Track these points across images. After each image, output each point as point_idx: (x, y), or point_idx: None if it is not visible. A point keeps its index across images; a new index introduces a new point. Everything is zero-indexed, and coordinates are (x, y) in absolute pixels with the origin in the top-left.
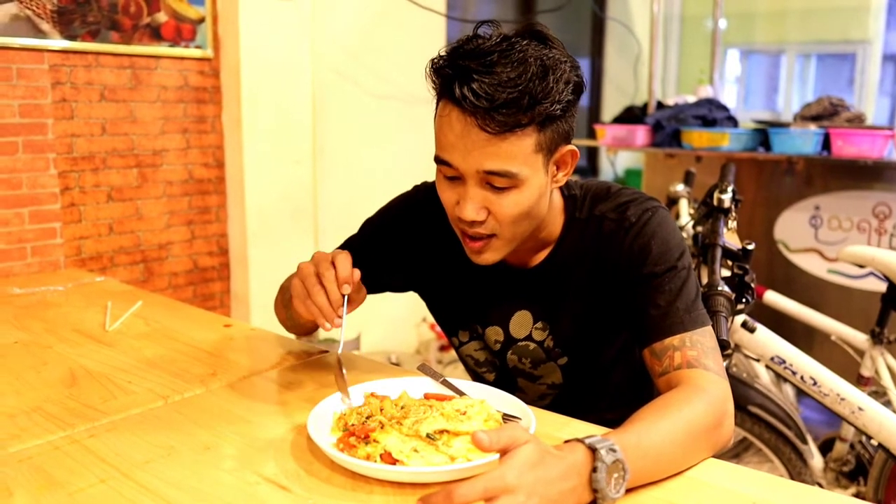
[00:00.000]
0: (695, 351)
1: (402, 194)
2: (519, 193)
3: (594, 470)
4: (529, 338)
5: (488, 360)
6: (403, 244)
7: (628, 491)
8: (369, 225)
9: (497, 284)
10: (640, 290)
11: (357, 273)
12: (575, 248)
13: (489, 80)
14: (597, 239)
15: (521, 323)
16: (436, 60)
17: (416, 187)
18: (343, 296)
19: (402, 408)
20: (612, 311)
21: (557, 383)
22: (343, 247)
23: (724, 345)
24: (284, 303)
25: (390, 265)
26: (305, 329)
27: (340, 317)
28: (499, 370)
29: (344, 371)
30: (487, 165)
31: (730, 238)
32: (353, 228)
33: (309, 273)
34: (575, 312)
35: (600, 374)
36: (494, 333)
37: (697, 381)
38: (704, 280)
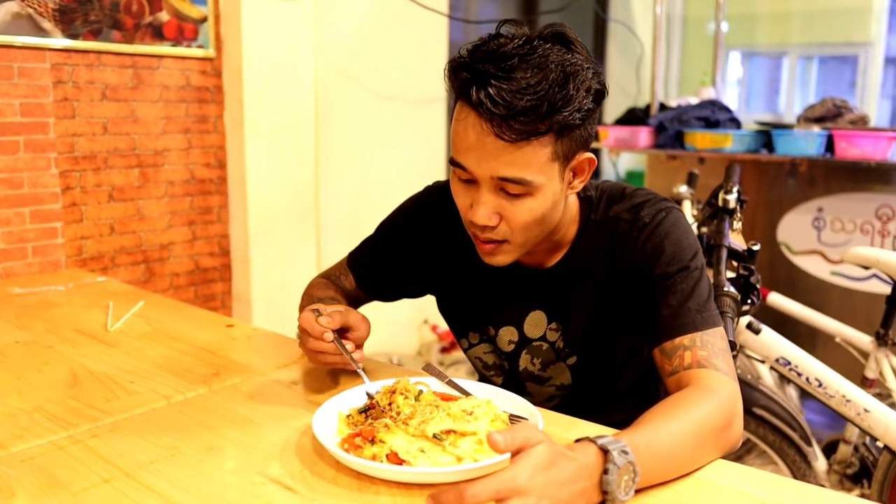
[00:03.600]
0: (705, 351)
1: (413, 196)
2: (533, 200)
3: (605, 472)
4: (543, 338)
5: (496, 363)
6: (417, 247)
7: (637, 491)
8: (383, 228)
9: (512, 285)
10: (652, 290)
11: (329, 315)
12: (590, 248)
13: (508, 85)
14: (611, 239)
15: (536, 323)
16: (454, 61)
17: (427, 188)
18: (334, 341)
19: (410, 404)
20: (624, 310)
21: (566, 384)
22: (358, 249)
23: (730, 346)
24: None
25: (406, 269)
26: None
27: (353, 358)
28: (507, 374)
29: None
30: (502, 172)
31: (735, 239)
32: (356, 229)
33: (304, 348)
34: (587, 312)
35: (609, 375)
36: (508, 334)
37: (707, 382)
38: (710, 281)
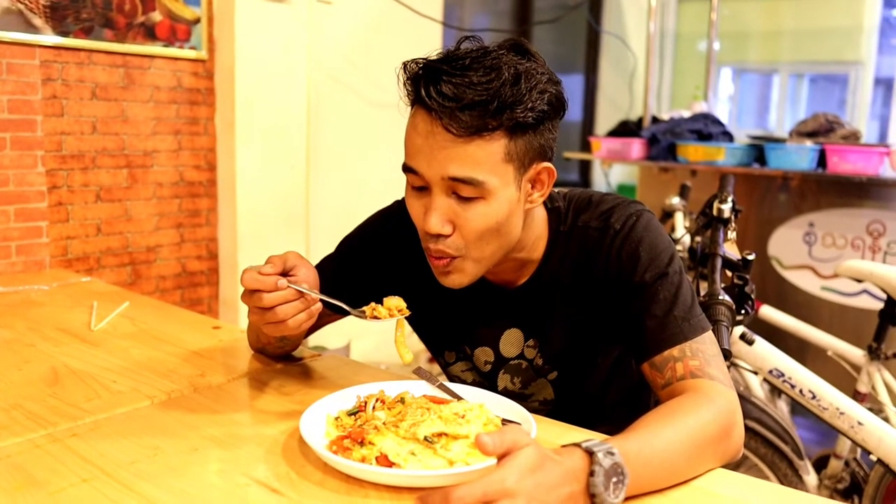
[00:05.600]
0: (697, 360)
1: (381, 210)
2: (486, 205)
3: (591, 474)
4: (521, 356)
5: (476, 381)
6: (383, 264)
7: (631, 499)
8: (346, 243)
9: (484, 305)
10: (633, 301)
11: (268, 262)
12: (561, 261)
13: (458, 80)
14: (582, 250)
15: (512, 341)
16: (408, 63)
17: (396, 202)
18: (289, 287)
19: (397, 413)
20: (604, 322)
21: (549, 399)
22: (321, 263)
23: (725, 354)
24: (262, 336)
25: (368, 287)
26: (295, 340)
27: (316, 294)
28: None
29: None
30: (452, 171)
31: (729, 248)
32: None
33: (257, 316)
34: (565, 326)
35: (593, 388)
36: (484, 354)
37: (703, 390)
38: (704, 291)
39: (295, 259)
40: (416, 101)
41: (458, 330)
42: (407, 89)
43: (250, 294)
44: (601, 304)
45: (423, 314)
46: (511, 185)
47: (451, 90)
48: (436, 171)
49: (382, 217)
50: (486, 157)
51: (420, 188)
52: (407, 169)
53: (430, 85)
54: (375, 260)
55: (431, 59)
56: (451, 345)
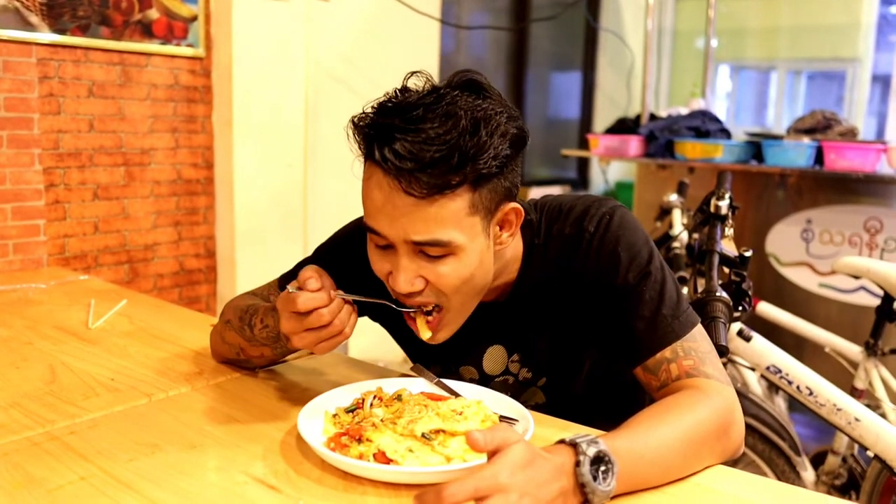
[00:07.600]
0: (691, 360)
1: (355, 221)
2: (457, 261)
3: (577, 464)
4: (506, 372)
5: None
6: (359, 276)
7: (629, 495)
8: (321, 252)
9: (466, 323)
10: (618, 304)
11: (312, 276)
12: (539, 274)
13: (413, 137)
14: (559, 258)
15: (496, 358)
16: (357, 118)
17: None
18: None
19: (394, 411)
20: (588, 327)
21: (541, 403)
22: (294, 269)
23: (722, 351)
24: (252, 349)
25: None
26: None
27: (369, 298)
28: None
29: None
30: (414, 236)
31: (727, 245)
32: None
33: (304, 335)
34: (547, 337)
35: (584, 390)
36: (468, 373)
37: (701, 388)
38: (701, 287)
39: (313, 270)
40: (370, 159)
41: (441, 349)
42: (357, 143)
43: (304, 316)
44: (583, 309)
45: (405, 332)
46: (479, 235)
47: (408, 149)
48: (398, 234)
49: (356, 229)
50: (451, 216)
51: (384, 246)
52: (367, 228)
53: (384, 145)
54: (350, 270)
55: (381, 111)
56: (435, 361)
